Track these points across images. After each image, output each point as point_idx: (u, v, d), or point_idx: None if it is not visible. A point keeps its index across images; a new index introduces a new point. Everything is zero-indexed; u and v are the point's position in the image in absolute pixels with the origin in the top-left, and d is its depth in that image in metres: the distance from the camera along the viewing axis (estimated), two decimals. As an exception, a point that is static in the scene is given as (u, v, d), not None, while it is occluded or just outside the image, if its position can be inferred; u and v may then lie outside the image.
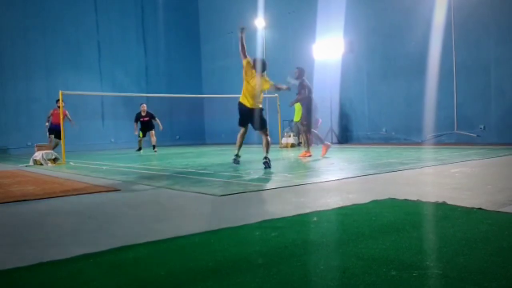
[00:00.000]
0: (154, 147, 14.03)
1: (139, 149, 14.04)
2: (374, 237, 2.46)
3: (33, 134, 16.33)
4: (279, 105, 13.96)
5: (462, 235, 2.40)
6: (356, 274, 1.85)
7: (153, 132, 13.98)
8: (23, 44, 16.85)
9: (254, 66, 6.95)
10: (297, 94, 9.32)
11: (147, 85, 19.69)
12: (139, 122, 13.97)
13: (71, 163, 9.73)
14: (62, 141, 10.18)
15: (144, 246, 2.48)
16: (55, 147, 11.73)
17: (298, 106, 14.04)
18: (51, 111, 12.80)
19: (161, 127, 13.96)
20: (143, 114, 13.91)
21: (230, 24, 19.29)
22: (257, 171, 6.41)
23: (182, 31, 20.93)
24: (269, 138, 7.00)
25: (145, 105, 14.01)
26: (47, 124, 12.83)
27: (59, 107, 12.64)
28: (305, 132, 9.28)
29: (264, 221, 2.96)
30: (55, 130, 12.13)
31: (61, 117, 10.21)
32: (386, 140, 13.45)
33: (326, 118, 14.85)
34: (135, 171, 7.47)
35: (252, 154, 9.66)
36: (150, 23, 20.09)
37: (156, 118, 14.03)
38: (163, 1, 20.38)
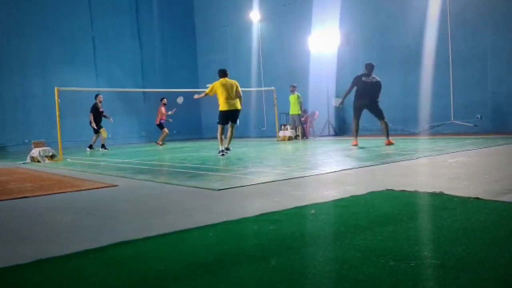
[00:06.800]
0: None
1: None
2: (372, 228, 2.47)
3: (30, 131, 16.26)
4: (275, 98, 13.94)
5: (459, 225, 2.41)
6: (354, 265, 1.86)
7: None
8: (18, 41, 16.73)
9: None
10: None
11: (143, 80, 19.60)
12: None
13: (69, 159, 9.72)
14: (59, 138, 10.17)
15: (143, 241, 2.48)
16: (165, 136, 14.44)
17: (293, 99, 14.05)
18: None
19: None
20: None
21: (225, 17, 19.21)
22: (255, 165, 6.41)
23: (177, 25, 20.80)
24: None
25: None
26: (162, 120, 14.33)
27: (164, 104, 14.21)
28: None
29: (262, 214, 2.97)
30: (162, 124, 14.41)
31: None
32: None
33: (323, 110, 14.86)
34: (133, 166, 7.46)
35: (249, 148, 9.65)
36: (145, 17, 19.95)
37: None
38: (157, -5, 20.26)
